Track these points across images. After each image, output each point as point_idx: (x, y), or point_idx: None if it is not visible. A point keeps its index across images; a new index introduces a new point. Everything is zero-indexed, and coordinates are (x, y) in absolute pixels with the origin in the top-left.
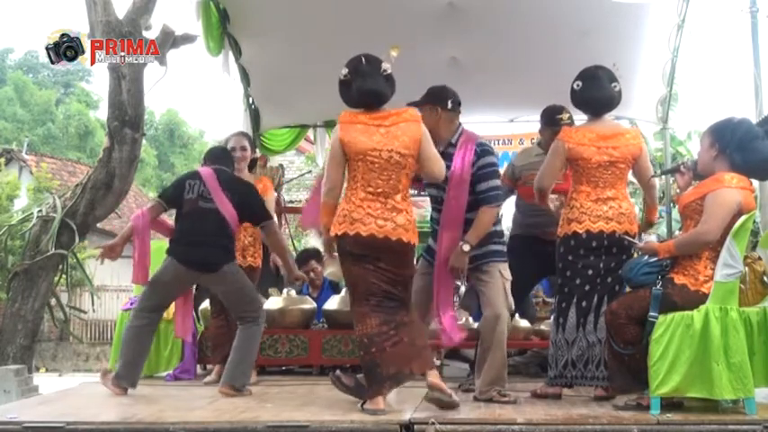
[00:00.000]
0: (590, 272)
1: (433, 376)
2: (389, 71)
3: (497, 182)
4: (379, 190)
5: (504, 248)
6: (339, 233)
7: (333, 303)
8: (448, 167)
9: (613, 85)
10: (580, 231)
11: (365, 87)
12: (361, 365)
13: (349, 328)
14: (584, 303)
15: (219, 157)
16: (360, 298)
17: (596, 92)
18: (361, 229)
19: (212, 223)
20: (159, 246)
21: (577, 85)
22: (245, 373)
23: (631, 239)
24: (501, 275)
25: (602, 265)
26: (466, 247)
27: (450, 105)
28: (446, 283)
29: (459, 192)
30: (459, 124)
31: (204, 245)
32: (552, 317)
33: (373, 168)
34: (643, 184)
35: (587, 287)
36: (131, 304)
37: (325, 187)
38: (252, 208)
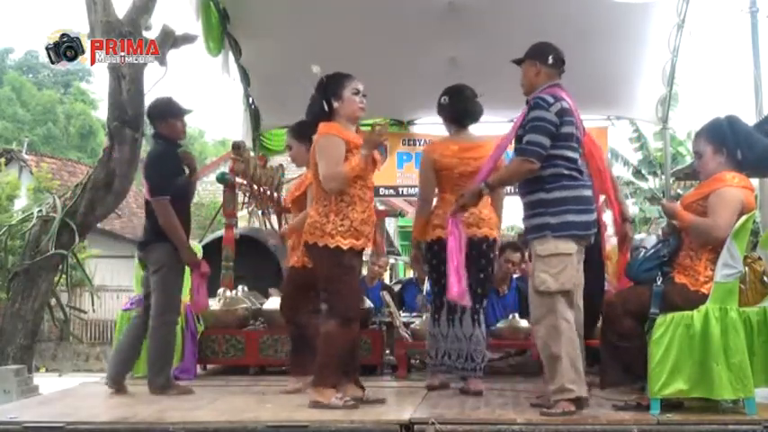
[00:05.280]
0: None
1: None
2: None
3: (536, 137)
4: None
5: (557, 220)
6: None
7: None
8: None
9: (477, 99)
10: (444, 237)
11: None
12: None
13: None
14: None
15: (157, 119)
16: None
17: (467, 104)
18: None
19: (148, 208)
20: None
21: (444, 100)
22: (161, 372)
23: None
24: (557, 250)
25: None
26: (482, 186)
27: (550, 61)
28: None
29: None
30: (555, 83)
31: (144, 228)
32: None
33: None
34: (493, 194)
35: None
36: (131, 304)
37: None
38: (148, 180)
